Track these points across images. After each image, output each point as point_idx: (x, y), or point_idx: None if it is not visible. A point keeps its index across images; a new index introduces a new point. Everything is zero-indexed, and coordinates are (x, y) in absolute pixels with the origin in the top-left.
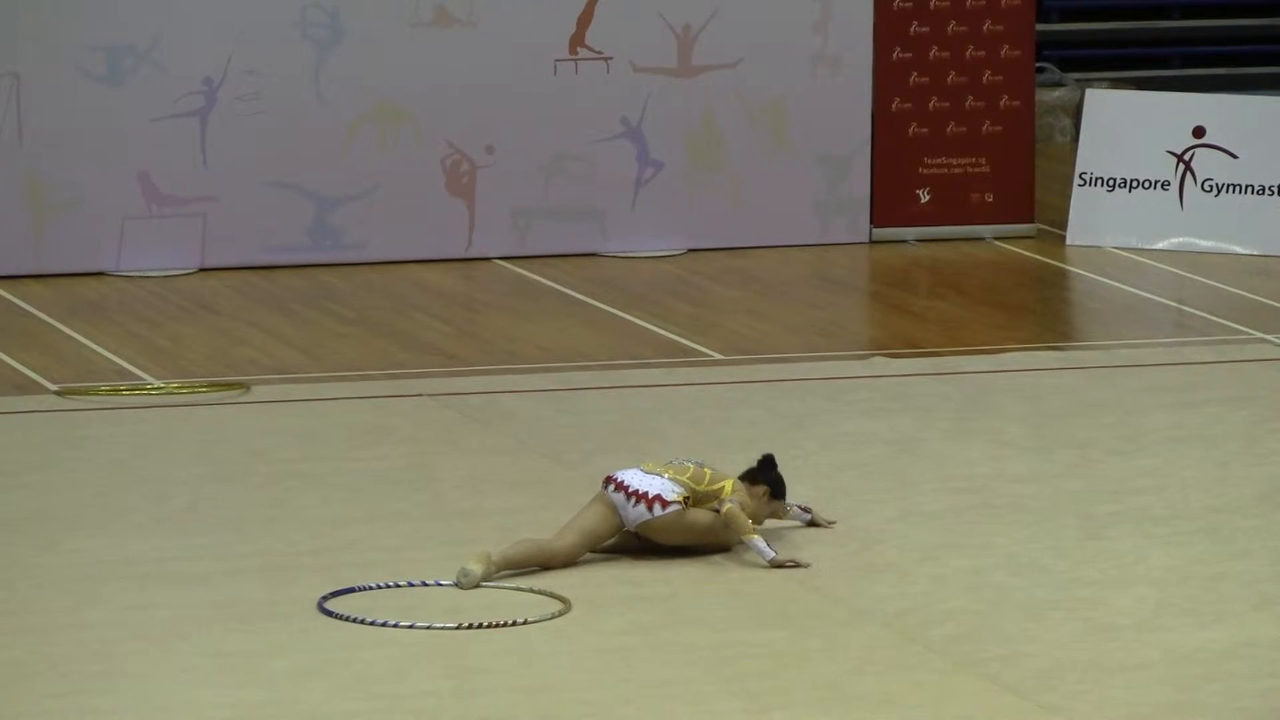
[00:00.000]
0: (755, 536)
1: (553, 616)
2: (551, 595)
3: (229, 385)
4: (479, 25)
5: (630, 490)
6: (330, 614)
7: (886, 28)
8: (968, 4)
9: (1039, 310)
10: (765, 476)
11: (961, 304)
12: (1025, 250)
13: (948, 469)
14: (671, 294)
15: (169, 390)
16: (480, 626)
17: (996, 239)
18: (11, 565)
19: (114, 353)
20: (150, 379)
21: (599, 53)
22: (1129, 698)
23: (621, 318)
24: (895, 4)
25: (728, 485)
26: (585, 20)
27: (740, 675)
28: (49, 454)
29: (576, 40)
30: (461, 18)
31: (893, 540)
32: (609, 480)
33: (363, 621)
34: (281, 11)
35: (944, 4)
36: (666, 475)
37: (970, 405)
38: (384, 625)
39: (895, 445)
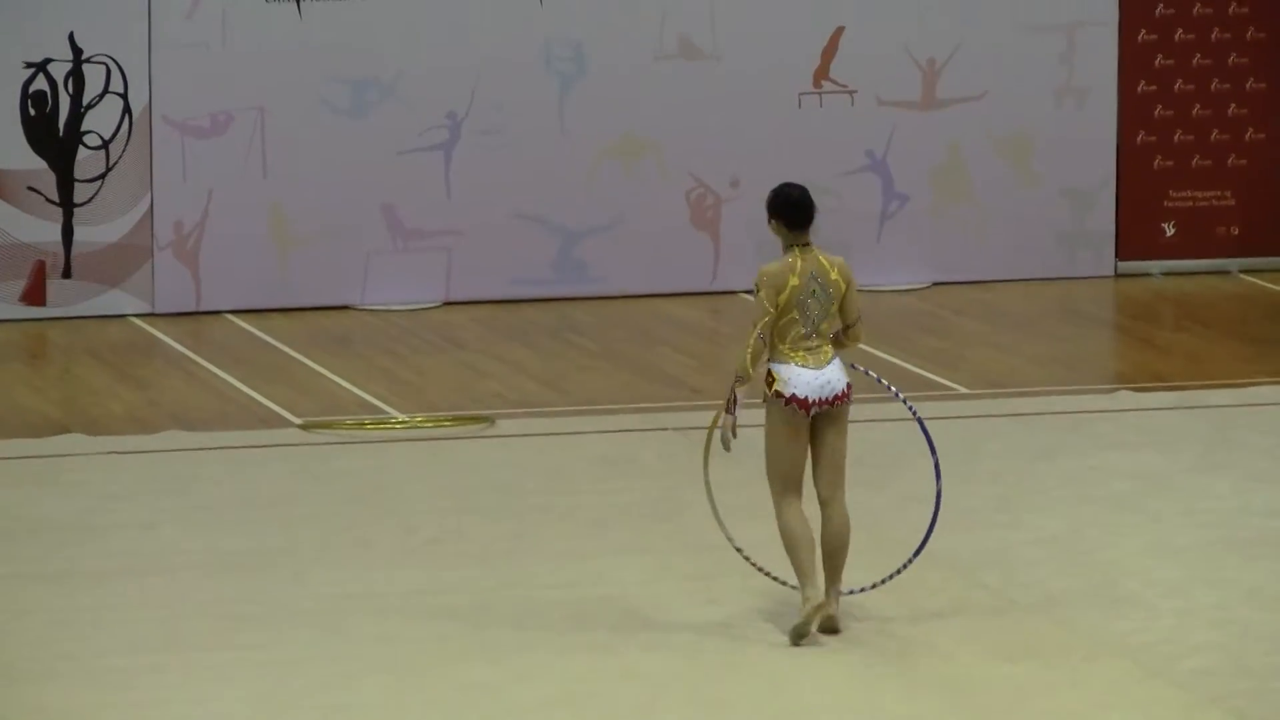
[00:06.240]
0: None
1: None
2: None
3: (473, 419)
4: (723, 58)
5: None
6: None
7: (1131, 60)
8: (1213, 37)
9: None
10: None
11: (1207, 337)
12: (1271, 283)
13: (1193, 502)
14: (916, 327)
15: (413, 424)
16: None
17: (1242, 272)
18: (257, 599)
19: (358, 386)
20: (395, 413)
21: (843, 85)
22: None
23: (867, 351)
24: (1140, 37)
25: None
26: (829, 53)
27: (984, 708)
28: (293, 487)
29: (821, 73)
30: (706, 50)
31: (1138, 574)
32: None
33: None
34: (525, 45)
35: (1189, 37)
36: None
37: (1216, 439)
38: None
39: (1141, 479)
